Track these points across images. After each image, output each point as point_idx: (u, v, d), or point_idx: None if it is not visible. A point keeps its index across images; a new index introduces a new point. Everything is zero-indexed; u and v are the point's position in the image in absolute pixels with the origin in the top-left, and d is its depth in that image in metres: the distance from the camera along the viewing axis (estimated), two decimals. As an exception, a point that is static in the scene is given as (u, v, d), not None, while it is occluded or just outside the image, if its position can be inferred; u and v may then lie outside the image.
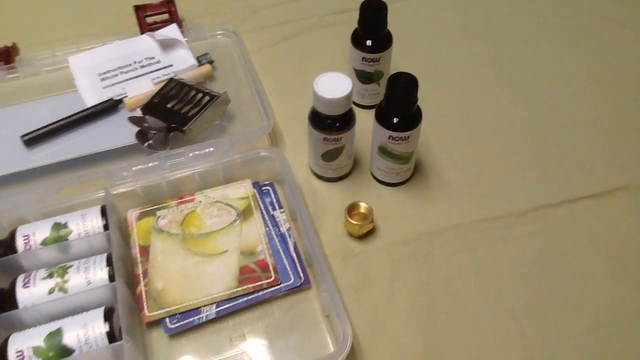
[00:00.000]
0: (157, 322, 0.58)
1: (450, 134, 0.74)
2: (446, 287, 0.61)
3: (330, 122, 0.63)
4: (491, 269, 0.62)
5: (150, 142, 0.70)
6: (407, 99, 0.61)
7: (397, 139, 0.63)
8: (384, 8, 0.68)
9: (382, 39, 0.71)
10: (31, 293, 0.56)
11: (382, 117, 0.63)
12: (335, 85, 0.61)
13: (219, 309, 0.59)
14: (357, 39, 0.71)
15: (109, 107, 0.74)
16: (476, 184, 0.69)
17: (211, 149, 0.67)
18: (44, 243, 0.60)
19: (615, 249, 0.64)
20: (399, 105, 0.61)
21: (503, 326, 0.58)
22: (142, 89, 0.75)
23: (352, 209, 0.64)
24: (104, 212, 0.62)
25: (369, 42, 0.70)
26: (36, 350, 0.52)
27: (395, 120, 0.62)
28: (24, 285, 0.57)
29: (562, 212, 0.67)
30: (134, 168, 0.65)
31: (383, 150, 0.65)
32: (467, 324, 0.59)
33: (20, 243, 0.60)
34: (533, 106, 0.78)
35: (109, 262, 0.58)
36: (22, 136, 0.71)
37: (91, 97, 0.75)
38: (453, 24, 0.89)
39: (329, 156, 0.66)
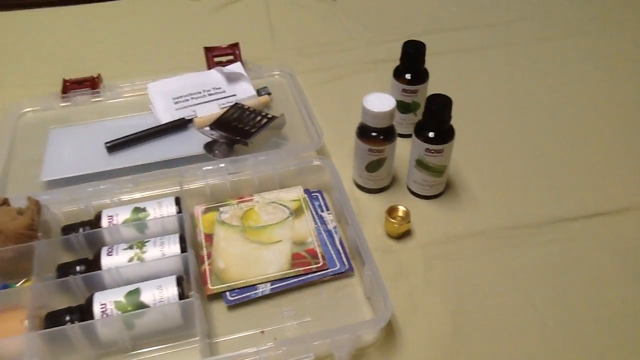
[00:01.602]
0: (218, 296, 0.66)
1: (477, 156, 0.84)
2: (473, 281, 0.69)
3: (375, 135, 0.73)
4: (513, 268, 0.70)
5: (216, 152, 0.80)
6: (443, 115, 0.71)
7: (432, 151, 0.72)
8: (423, 47, 0.80)
9: (420, 73, 0.82)
10: (114, 260, 0.65)
11: (420, 132, 0.73)
12: (381, 102, 0.72)
13: (273, 286, 0.67)
14: (399, 73, 0.82)
15: (180, 125, 0.86)
16: (500, 198, 0.78)
17: (270, 158, 0.77)
18: (125, 222, 0.69)
19: (628, 258, 0.71)
20: (436, 120, 0.71)
21: (524, 314, 0.65)
22: (209, 111, 0.87)
23: (392, 211, 0.73)
24: (177, 202, 0.71)
25: (408, 76, 0.81)
26: (117, 304, 0.61)
27: (431, 134, 0.72)
28: (107, 254, 0.66)
29: (577, 225, 0.75)
30: (204, 168, 0.75)
31: (420, 163, 0.74)
32: (492, 312, 0.65)
33: (105, 222, 0.70)
34: (551, 131, 0.89)
35: (182, 239, 0.67)
36: (106, 143, 0.82)
37: (165, 116, 0.87)
38: (479, 67, 1.02)
39: (372, 167, 0.75)
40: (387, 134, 0.73)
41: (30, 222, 0.66)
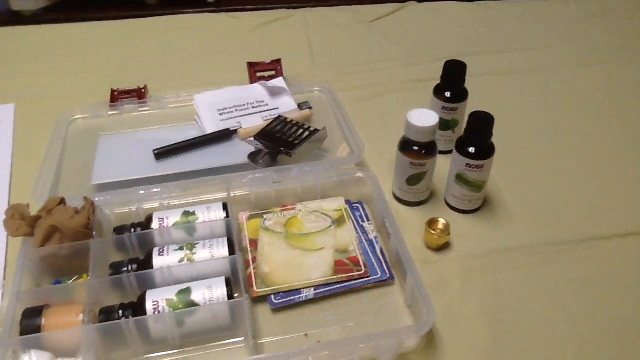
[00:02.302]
0: (263, 299, 0.69)
1: (514, 174, 0.86)
2: (512, 294, 0.70)
3: (417, 149, 0.76)
4: (550, 283, 0.71)
5: (260, 161, 0.83)
6: (485, 132, 0.73)
7: (473, 166, 0.74)
8: (463, 67, 0.83)
9: (460, 92, 0.85)
10: (165, 260, 0.68)
11: (462, 147, 0.75)
12: (424, 118, 0.74)
13: (316, 291, 0.69)
14: (439, 91, 0.85)
15: (225, 135, 0.89)
16: (537, 215, 0.80)
17: (313, 169, 0.79)
18: (175, 225, 0.72)
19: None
20: (477, 137, 0.74)
21: (561, 328, 0.66)
22: (253, 123, 0.90)
23: (432, 223, 0.75)
24: (224, 207, 0.74)
25: (448, 94, 0.84)
26: (169, 302, 0.63)
27: (472, 150, 0.74)
28: (159, 254, 0.68)
29: (612, 244, 0.76)
30: (250, 176, 0.78)
31: (459, 178, 0.76)
32: (530, 325, 0.67)
33: (155, 224, 0.72)
34: (586, 152, 0.91)
35: (230, 242, 0.69)
36: (154, 150, 0.86)
37: (210, 127, 0.90)
38: (515, 90, 1.05)
39: (413, 180, 0.78)
40: (428, 149, 0.76)
41: (87, 221, 0.69)
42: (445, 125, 0.86)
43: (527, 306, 0.69)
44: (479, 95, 0.89)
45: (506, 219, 0.80)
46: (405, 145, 0.76)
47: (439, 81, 0.86)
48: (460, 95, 0.85)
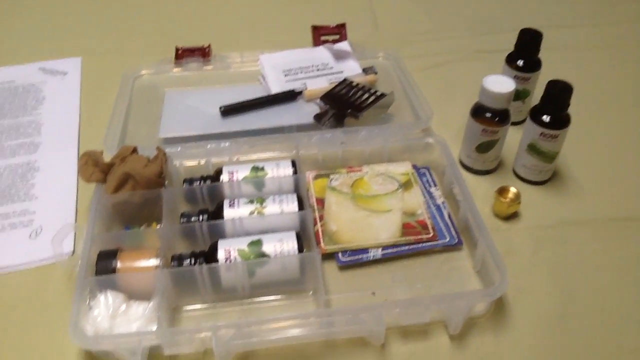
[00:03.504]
0: (330, 256, 0.69)
1: (584, 148, 0.84)
2: (581, 267, 0.69)
3: (490, 116, 0.74)
4: (621, 257, 0.70)
5: (326, 123, 0.83)
6: (562, 101, 0.72)
7: (547, 136, 0.73)
8: (539, 36, 0.81)
9: (534, 62, 0.83)
10: (236, 212, 0.68)
11: (536, 116, 0.73)
12: (500, 84, 0.73)
13: (384, 252, 0.69)
14: (512, 59, 0.83)
15: (290, 96, 0.89)
16: (607, 190, 0.78)
17: (381, 132, 0.79)
18: (244, 179, 0.72)
19: None
20: (554, 106, 0.72)
21: (631, 303, 0.65)
22: (318, 85, 0.90)
23: (502, 191, 0.74)
24: (293, 165, 0.74)
25: (521, 62, 0.82)
26: (240, 252, 0.63)
27: (547, 119, 0.72)
28: (229, 205, 0.69)
29: (687, 221, 0.74)
30: (317, 136, 0.77)
31: (532, 148, 0.75)
32: (599, 298, 0.66)
33: (225, 177, 0.73)
34: None
35: (299, 198, 0.70)
36: (221, 107, 0.86)
37: (275, 87, 0.90)
38: (585, 65, 1.03)
39: (483, 148, 0.76)
40: (502, 116, 0.74)
41: (159, 170, 0.70)
42: (515, 95, 0.84)
43: (596, 280, 0.68)
44: (550, 68, 0.87)
45: (576, 192, 0.78)
46: (478, 112, 0.75)
47: (504, 53, 0.84)
48: (534, 64, 0.83)
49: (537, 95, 0.79)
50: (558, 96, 0.71)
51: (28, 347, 0.61)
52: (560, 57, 1.02)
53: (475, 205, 0.68)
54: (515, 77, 0.83)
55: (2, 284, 0.67)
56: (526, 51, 0.82)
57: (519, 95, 0.84)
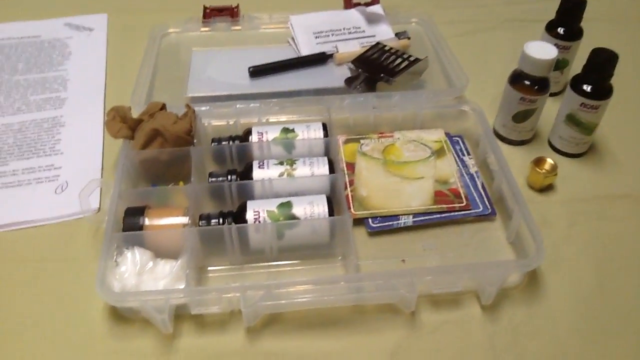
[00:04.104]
0: (359, 222, 0.67)
1: (622, 122, 0.81)
2: (618, 241, 0.67)
3: (529, 84, 0.72)
4: (659, 234, 0.68)
5: (358, 87, 0.80)
6: (606, 70, 0.69)
7: (588, 106, 0.70)
8: (583, 3, 0.77)
9: (575, 30, 0.79)
10: (265, 173, 0.67)
11: (578, 85, 0.71)
12: (542, 50, 0.70)
13: (415, 219, 0.67)
14: (552, 27, 0.80)
15: (321, 59, 0.87)
16: (647, 165, 0.76)
17: (415, 97, 0.77)
18: (274, 141, 0.71)
19: None
20: (598, 74, 0.69)
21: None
22: (350, 48, 0.87)
23: (538, 162, 0.71)
24: (324, 127, 0.72)
25: (562, 30, 0.79)
26: (270, 214, 0.62)
27: (589, 89, 0.70)
28: (259, 166, 0.67)
29: None
30: (349, 100, 0.75)
31: (570, 118, 0.72)
32: (635, 273, 0.64)
33: (255, 138, 0.71)
34: None
35: (330, 162, 0.68)
36: (250, 67, 0.84)
37: (305, 49, 0.88)
38: (624, 35, 0.99)
39: (520, 117, 0.74)
40: (541, 85, 0.72)
41: (189, 127, 0.68)
42: (554, 65, 0.81)
43: (632, 255, 0.66)
44: (591, 39, 0.84)
45: (613, 167, 0.76)
46: (517, 79, 0.73)
47: (541, 22, 0.81)
48: (575, 33, 0.80)
49: (575, 66, 0.77)
50: (602, 64, 0.69)
51: (54, 303, 0.61)
52: (601, 28, 0.99)
53: (512, 175, 0.66)
54: (556, 46, 0.79)
55: (28, 238, 0.67)
56: (568, 19, 0.79)
57: (558, 65, 0.81)
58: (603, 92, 0.70)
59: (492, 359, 0.56)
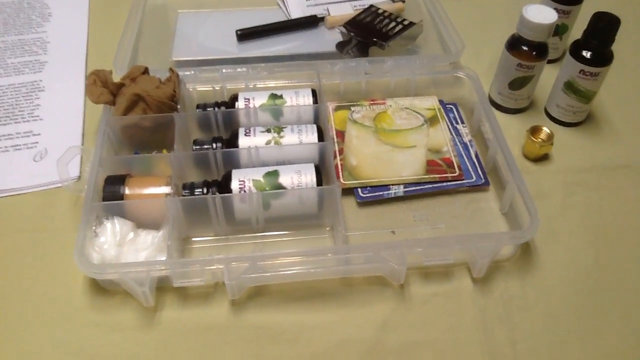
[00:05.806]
0: (349, 192, 0.65)
1: (621, 90, 0.79)
2: (615, 212, 0.65)
3: (527, 49, 0.69)
4: (657, 204, 0.66)
5: (349, 52, 0.77)
6: (608, 35, 0.66)
7: (587, 73, 0.68)
8: (584, -36, 0.74)
9: (576, -6, 0.77)
10: (251, 140, 0.64)
11: (577, 51, 0.68)
12: (541, 14, 0.67)
13: (406, 189, 0.65)
14: (552, -10, 0.77)
15: (311, 22, 0.83)
16: (646, 135, 0.74)
17: (409, 63, 0.74)
18: (261, 107, 0.68)
19: None
20: (599, 40, 0.66)
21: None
22: (342, 11, 0.84)
23: (534, 131, 0.69)
24: (313, 94, 0.70)
25: (562, -6, 0.76)
26: (255, 183, 0.60)
27: (589, 55, 0.67)
28: (245, 134, 0.65)
29: None
30: (340, 65, 0.73)
31: (569, 86, 0.70)
32: (632, 244, 0.62)
33: (241, 104, 0.68)
34: None
35: (319, 129, 0.65)
36: (237, 30, 0.81)
37: (296, 12, 0.85)
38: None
39: (517, 84, 0.71)
40: (540, 50, 0.69)
41: (172, 93, 0.66)
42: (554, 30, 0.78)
43: (630, 227, 0.64)
44: (591, 6, 0.81)
45: (611, 136, 0.73)
46: (515, 44, 0.70)
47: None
48: (576, -3, 0.77)
49: (574, 32, 0.74)
50: (603, 30, 0.66)
51: (32, 274, 0.59)
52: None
53: (507, 144, 0.64)
54: (555, 10, 0.76)
55: (5, 207, 0.64)
56: (569, -19, 0.76)
57: (557, 30, 0.79)
58: (603, 58, 0.68)
59: (483, 333, 0.55)
